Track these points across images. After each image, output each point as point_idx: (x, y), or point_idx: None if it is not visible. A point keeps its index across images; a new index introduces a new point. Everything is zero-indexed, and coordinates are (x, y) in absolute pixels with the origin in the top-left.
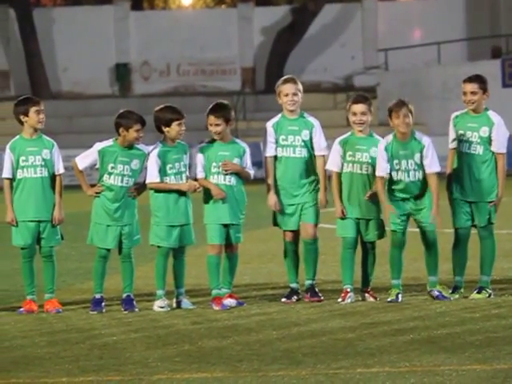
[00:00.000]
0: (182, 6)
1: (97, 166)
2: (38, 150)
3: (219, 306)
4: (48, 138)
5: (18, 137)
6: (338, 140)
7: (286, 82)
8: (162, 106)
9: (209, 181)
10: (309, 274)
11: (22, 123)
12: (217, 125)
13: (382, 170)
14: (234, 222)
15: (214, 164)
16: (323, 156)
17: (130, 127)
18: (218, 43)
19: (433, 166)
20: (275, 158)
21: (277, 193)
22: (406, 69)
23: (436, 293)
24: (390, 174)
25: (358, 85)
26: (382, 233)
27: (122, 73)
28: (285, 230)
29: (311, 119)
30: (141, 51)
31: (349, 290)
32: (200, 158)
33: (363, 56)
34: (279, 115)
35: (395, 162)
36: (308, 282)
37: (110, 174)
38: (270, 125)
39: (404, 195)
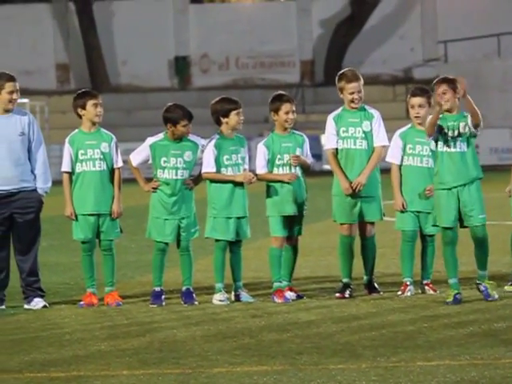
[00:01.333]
0: None
1: (149, 162)
2: (96, 144)
3: (281, 298)
4: (107, 132)
5: (76, 131)
6: (398, 132)
7: (350, 81)
8: (217, 98)
9: (273, 173)
10: (367, 270)
11: (80, 117)
12: (293, 112)
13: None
14: (298, 213)
15: (279, 156)
16: (382, 147)
17: (178, 123)
18: (277, 36)
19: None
20: (337, 151)
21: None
22: (466, 61)
23: (482, 287)
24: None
25: (417, 77)
26: None
27: (181, 66)
28: (342, 224)
29: (372, 110)
30: (200, 44)
31: (408, 282)
32: (264, 153)
33: (422, 48)
34: (340, 108)
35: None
36: (366, 278)
37: (163, 168)
38: (331, 117)
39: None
